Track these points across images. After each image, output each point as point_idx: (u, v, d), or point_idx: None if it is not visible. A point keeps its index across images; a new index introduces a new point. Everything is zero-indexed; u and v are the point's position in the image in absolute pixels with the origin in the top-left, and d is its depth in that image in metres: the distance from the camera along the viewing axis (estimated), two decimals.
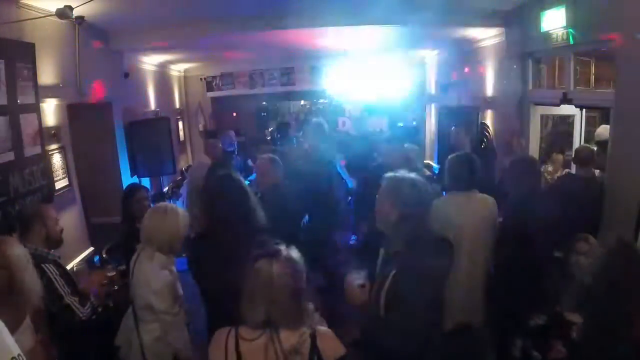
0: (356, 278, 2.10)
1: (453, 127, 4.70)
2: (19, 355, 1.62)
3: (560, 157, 5.20)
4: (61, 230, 2.76)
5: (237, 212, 2.46)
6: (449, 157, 3.16)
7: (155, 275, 2.45)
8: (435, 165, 8.17)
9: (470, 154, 3.22)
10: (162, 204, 2.75)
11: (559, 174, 5.04)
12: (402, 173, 2.11)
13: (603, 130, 4.64)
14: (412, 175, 2.09)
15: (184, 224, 2.54)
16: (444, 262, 2.00)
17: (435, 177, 6.32)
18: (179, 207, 2.67)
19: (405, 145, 4.44)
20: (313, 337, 1.64)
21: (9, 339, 1.64)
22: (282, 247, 1.71)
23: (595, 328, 1.70)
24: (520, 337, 2.48)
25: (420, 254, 1.91)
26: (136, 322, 2.52)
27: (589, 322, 1.74)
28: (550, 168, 5.04)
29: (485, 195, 3.03)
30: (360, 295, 2.06)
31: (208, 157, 5.41)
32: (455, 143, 4.48)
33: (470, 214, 2.80)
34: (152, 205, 3.26)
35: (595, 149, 4.16)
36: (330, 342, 1.67)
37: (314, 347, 1.62)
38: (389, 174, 2.14)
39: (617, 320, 1.64)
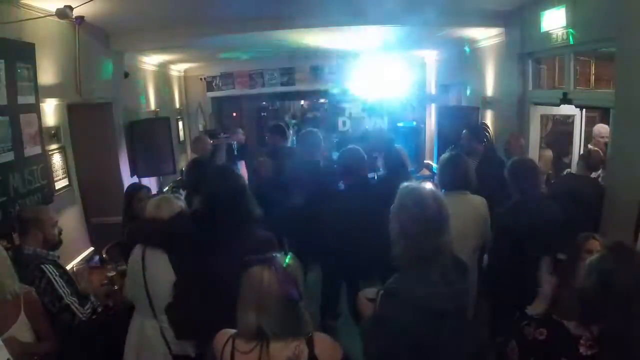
0: (368, 292, 2.05)
1: (464, 130, 4.65)
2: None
3: (548, 152, 5.19)
4: (60, 232, 2.75)
5: (232, 204, 2.47)
6: (441, 157, 3.19)
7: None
8: (434, 165, 8.17)
9: (462, 154, 3.24)
10: (159, 196, 2.77)
11: (548, 170, 5.05)
12: (415, 184, 1.95)
13: (601, 129, 4.67)
14: (426, 187, 1.93)
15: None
16: (448, 290, 1.77)
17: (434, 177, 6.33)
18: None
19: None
20: (310, 344, 1.60)
21: None
22: (278, 255, 1.67)
23: (615, 341, 1.50)
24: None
25: (414, 280, 1.76)
26: (157, 319, 2.52)
27: (607, 337, 1.51)
28: (540, 165, 5.01)
29: (476, 196, 3.06)
30: (369, 309, 2.00)
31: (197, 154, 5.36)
32: (467, 146, 4.44)
33: (458, 214, 2.81)
34: None
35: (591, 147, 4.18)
36: (327, 348, 1.64)
37: (311, 355, 1.58)
38: (404, 184, 1.97)
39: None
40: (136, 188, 3.78)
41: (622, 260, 1.56)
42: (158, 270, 2.48)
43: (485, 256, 3.15)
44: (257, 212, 2.52)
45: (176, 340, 2.47)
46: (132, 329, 2.60)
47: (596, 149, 4.16)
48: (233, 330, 1.67)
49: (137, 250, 2.56)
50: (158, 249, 2.48)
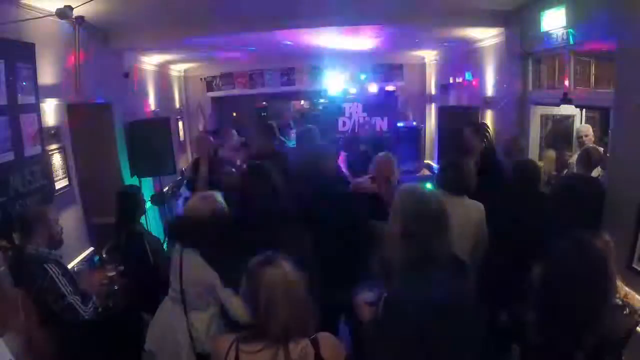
0: (367, 296, 2.04)
1: (465, 129, 4.63)
2: None
3: (551, 153, 5.19)
4: (61, 230, 2.77)
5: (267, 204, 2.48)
6: (442, 161, 3.19)
7: None
8: (435, 165, 8.18)
9: (461, 160, 3.23)
10: (203, 194, 2.76)
11: (552, 171, 5.05)
12: (414, 185, 1.95)
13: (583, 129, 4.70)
14: (426, 188, 1.93)
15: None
16: (452, 289, 1.75)
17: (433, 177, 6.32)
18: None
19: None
20: (315, 344, 1.59)
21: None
22: (273, 253, 1.66)
23: (556, 326, 1.59)
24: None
25: (419, 279, 1.74)
26: (187, 315, 2.53)
27: (547, 321, 1.61)
28: (542, 165, 5.02)
29: (474, 201, 3.06)
30: (368, 313, 2.00)
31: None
32: (467, 145, 4.42)
33: (455, 217, 2.81)
34: (147, 204, 3.27)
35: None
36: (332, 347, 1.64)
37: (317, 355, 1.58)
38: (403, 185, 1.97)
39: (584, 316, 1.55)
40: (135, 187, 3.79)
41: (579, 253, 1.65)
42: (193, 270, 2.49)
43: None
44: (292, 211, 2.51)
45: (202, 339, 2.50)
46: (157, 318, 2.65)
47: (593, 146, 4.17)
48: (234, 335, 1.66)
49: (177, 246, 2.60)
50: (195, 250, 2.50)
